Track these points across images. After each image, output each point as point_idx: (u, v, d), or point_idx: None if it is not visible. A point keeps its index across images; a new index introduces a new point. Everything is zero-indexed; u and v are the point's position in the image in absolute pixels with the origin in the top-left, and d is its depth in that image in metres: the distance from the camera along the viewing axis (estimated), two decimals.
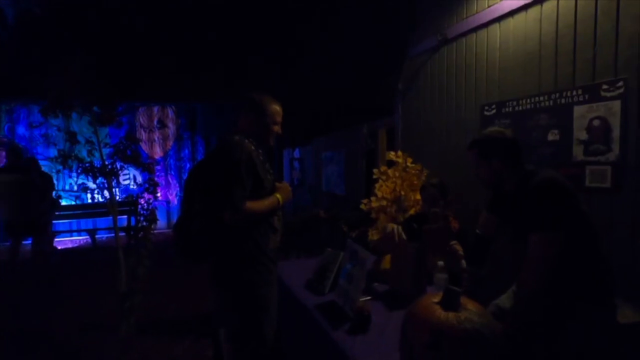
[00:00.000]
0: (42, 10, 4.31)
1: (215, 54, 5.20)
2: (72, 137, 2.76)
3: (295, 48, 5.12)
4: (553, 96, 2.11)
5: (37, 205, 4.29)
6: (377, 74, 4.09)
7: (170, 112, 7.71)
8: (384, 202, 3.10)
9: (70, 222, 6.73)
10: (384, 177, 3.17)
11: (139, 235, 2.88)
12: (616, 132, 1.82)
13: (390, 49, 3.73)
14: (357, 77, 4.71)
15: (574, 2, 2.00)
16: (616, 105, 1.81)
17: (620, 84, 1.78)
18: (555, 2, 2.09)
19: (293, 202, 7.49)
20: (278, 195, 1.63)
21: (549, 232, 1.28)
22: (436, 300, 1.02)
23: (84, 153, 2.78)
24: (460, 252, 1.97)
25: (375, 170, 3.26)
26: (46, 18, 4.29)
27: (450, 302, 0.98)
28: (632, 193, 1.77)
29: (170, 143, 7.75)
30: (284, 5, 4.18)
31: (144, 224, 2.93)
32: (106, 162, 2.58)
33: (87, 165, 2.52)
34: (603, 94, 1.86)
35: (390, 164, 3.25)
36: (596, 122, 1.91)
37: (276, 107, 1.70)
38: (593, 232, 1.37)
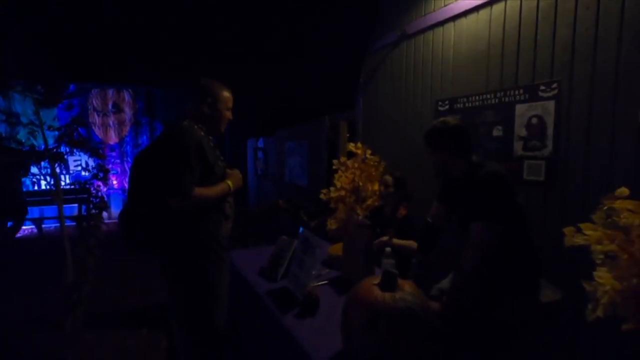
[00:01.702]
0: None
1: (174, 38, 4.98)
2: (10, 118, 2.56)
3: (259, 39, 5.02)
4: (498, 94, 2.25)
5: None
6: (341, 66, 4.13)
7: (126, 95, 7.30)
8: (343, 192, 3.17)
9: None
10: (343, 168, 3.24)
11: (90, 224, 2.75)
12: (550, 130, 1.98)
13: (353, 43, 3.77)
14: (321, 68, 4.72)
15: (519, 6, 2.13)
16: (551, 105, 1.96)
17: (555, 85, 1.94)
18: (503, 5, 2.22)
19: (257, 192, 7.44)
20: (229, 182, 1.62)
21: (488, 221, 1.38)
22: (376, 282, 1.08)
23: (25, 135, 2.59)
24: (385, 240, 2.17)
25: (335, 161, 3.32)
26: None
27: (387, 284, 1.04)
28: (562, 186, 1.94)
29: (126, 129, 7.37)
30: None
31: (94, 211, 2.80)
32: (50, 146, 2.42)
33: (26, 148, 2.35)
34: (540, 94, 2.01)
35: (350, 155, 3.32)
36: (534, 120, 2.06)
37: (227, 93, 1.69)
38: (525, 222, 1.50)
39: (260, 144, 7.13)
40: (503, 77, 2.24)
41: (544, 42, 2.00)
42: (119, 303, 3.23)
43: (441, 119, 1.61)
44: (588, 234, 1.27)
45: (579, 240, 1.30)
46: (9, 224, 4.60)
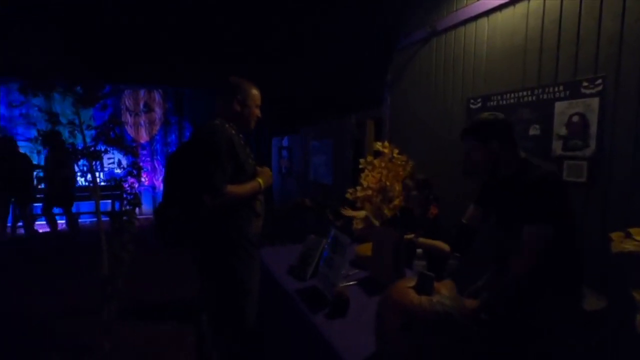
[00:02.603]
0: None
1: (203, 38, 5.10)
2: (53, 118, 2.70)
3: (285, 37, 5.05)
4: (536, 91, 2.16)
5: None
6: (367, 64, 4.09)
7: (157, 95, 7.55)
8: (369, 192, 3.14)
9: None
10: (370, 167, 3.20)
11: (123, 219, 2.85)
12: (593, 129, 1.87)
13: (380, 40, 3.72)
14: (346, 66, 4.69)
15: None
16: (595, 102, 1.86)
17: (599, 81, 1.83)
18: None
19: (281, 191, 7.50)
20: (259, 180, 1.64)
21: (546, 225, 1.31)
22: (411, 284, 1.05)
23: (66, 134, 2.73)
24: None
25: (361, 160, 3.29)
26: None
27: (424, 287, 1.02)
28: (605, 187, 1.83)
29: (156, 127, 7.62)
30: None
31: (128, 207, 2.90)
32: (88, 144, 2.53)
33: (68, 146, 2.47)
34: (583, 90, 1.90)
35: (377, 154, 3.28)
36: (575, 118, 1.96)
37: (256, 91, 1.72)
38: (574, 226, 1.42)
39: (285, 142, 7.18)
40: (541, 73, 2.14)
41: (588, 35, 1.89)
42: (149, 296, 3.34)
43: (487, 112, 1.53)
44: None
45: (628, 245, 1.22)
46: (57, 210, 5.16)
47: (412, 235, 2.12)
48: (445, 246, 2.05)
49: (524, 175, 1.39)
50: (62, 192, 4.87)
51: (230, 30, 4.91)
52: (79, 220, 6.32)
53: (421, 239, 2.11)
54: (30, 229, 5.17)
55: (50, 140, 4.69)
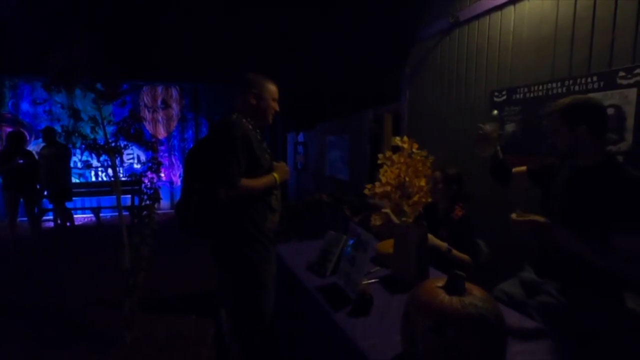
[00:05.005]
0: None
1: (219, 35, 5.11)
2: (75, 114, 2.74)
3: (302, 31, 5.01)
4: (566, 83, 2.06)
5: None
6: (385, 57, 4.01)
7: (174, 92, 7.65)
8: (388, 188, 3.08)
9: (74, 200, 6.78)
10: (388, 163, 3.14)
11: (143, 214, 2.89)
12: (630, 121, 1.77)
13: (399, 32, 3.64)
14: (364, 60, 4.62)
15: None
16: (632, 93, 1.75)
17: (638, 71, 1.73)
18: None
19: (296, 186, 7.50)
20: (275, 174, 1.64)
21: None
22: (440, 284, 1.01)
23: (87, 130, 2.76)
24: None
25: (380, 156, 3.23)
26: None
27: (454, 287, 0.97)
28: None
29: (174, 124, 7.72)
30: None
31: (148, 202, 2.93)
32: (109, 140, 2.56)
33: (90, 142, 2.51)
34: (619, 81, 1.80)
35: (396, 149, 3.21)
36: (610, 111, 1.85)
37: (272, 85, 1.71)
38: None
39: (301, 138, 7.16)
40: (572, 63, 2.04)
41: (625, 22, 1.79)
42: (170, 290, 3.39)
43: (582, 95, 1.41)
44: None
45: None
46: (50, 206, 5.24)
47: (445, 245, 2.02)
48: (468, 260, 2.02)
49: (612, 172, 1.28)
50: (60, 188, 4.90)
51: (247, 26, 4.90)
52: (100, 215, 6.48)
53: (454, 252, 2.02)
54: (36, 228, 4.99)
55: (46, 136, 4.74)
